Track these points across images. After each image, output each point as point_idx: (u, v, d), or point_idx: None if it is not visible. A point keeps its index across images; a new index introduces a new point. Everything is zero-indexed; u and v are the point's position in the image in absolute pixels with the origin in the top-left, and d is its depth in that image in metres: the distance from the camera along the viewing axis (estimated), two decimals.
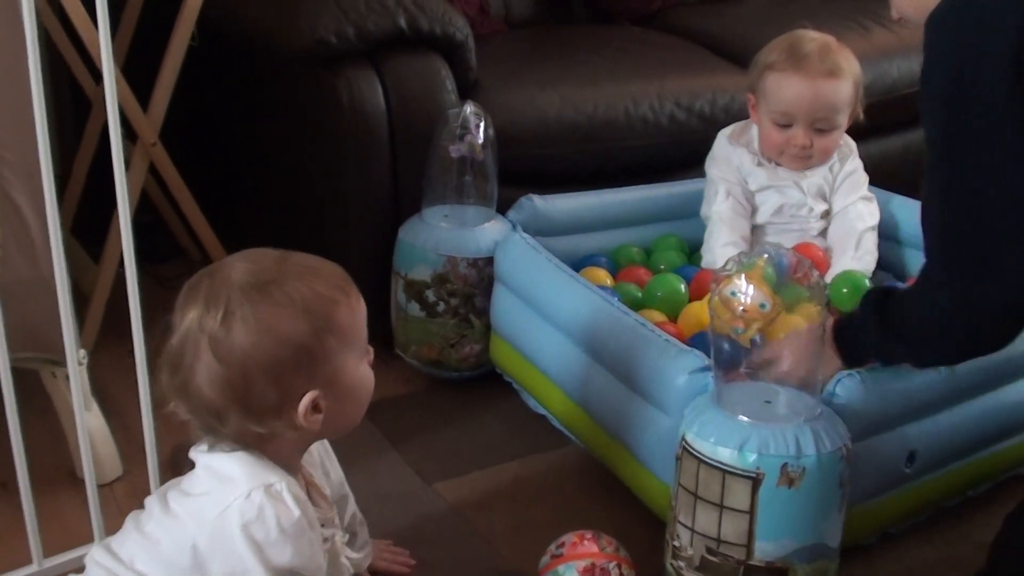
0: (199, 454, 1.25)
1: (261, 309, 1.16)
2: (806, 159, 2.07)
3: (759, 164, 2.10)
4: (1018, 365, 1.69)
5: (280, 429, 1.20)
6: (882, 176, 2.22)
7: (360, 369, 1.25)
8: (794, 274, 1.37)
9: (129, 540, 1.25)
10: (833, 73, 2.00)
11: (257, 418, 1.18)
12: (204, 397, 1.18)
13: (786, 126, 2.03)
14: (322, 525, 1.26)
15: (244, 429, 1.19)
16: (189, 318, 1.18)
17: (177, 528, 1.21)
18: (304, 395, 1.19)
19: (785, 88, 2.01)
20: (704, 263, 2.07)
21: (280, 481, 1.19)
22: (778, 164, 2.09)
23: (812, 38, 2.05)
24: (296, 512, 1.18)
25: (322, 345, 1.19)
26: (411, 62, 2.12)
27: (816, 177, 2.09)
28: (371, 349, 1.30)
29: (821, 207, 2.09)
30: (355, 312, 1.23)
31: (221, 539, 1.17)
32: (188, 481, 1.25)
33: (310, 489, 1.29)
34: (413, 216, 2.07)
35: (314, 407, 1.20)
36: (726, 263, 1.42)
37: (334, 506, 1.36)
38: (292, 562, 1.17)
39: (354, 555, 1.40)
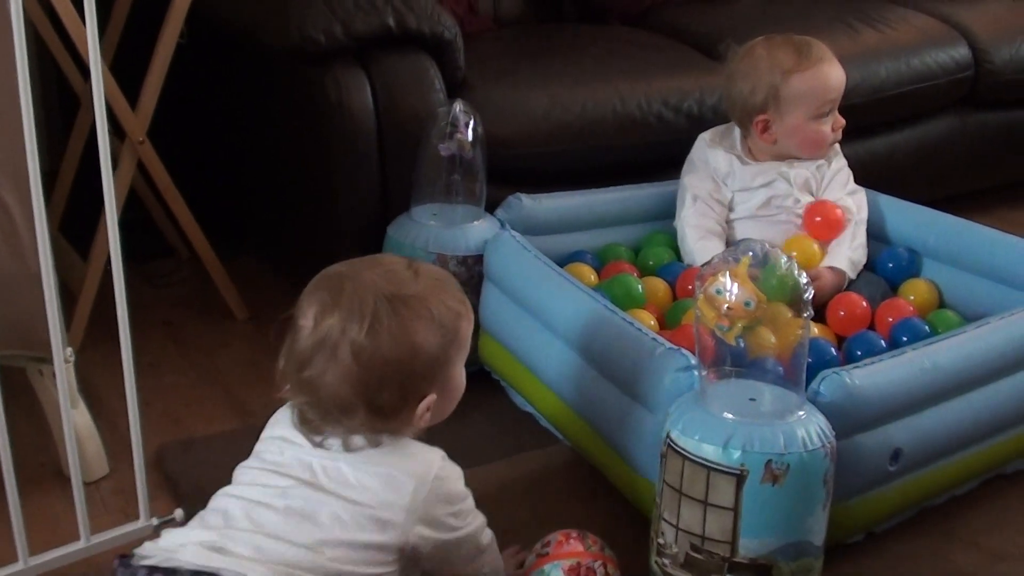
0: (329, 456, 1.28)
1: (406, 322, 1.26)
2: (836, 141, 2.15)
3: (744, 163, 2.12)
4: (1003, 363, 1.70)
5: (396, 426, 1.29)
6: (868, 176, 2.23)
7: (463, 373, 1.37)
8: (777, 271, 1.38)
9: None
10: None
11: (379, 415, 1.27)
12: (335, 394, 1.25)
13: (827, 115, 2.10)
14: None
15: (366, 423, 1.27)
16: (328, 324, 1.25)
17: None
18: (424, 398, 1.29)
19: (825, 78, 2.08)
20: (687, 263, 2.10)
21: None
22: (759, 160, 2.12)
23: (788, 36, 2.13)
24: None
25: (447, 354, 1.30)
26: (399, 60, 2.12)
27: (802, 169, 2.12)
28: None
29: (807, 199, 2.12)
30: (472, 324, 1.35)
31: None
32: (343, 470, 1.27)
33: None
34: (402, 215, 2.07)
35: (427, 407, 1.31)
36: (711, 259, 1.43)
37: None
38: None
39: None
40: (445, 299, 1.30)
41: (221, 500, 1.29)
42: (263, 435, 1.36)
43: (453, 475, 1.32)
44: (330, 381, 1.25)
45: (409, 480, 1.26)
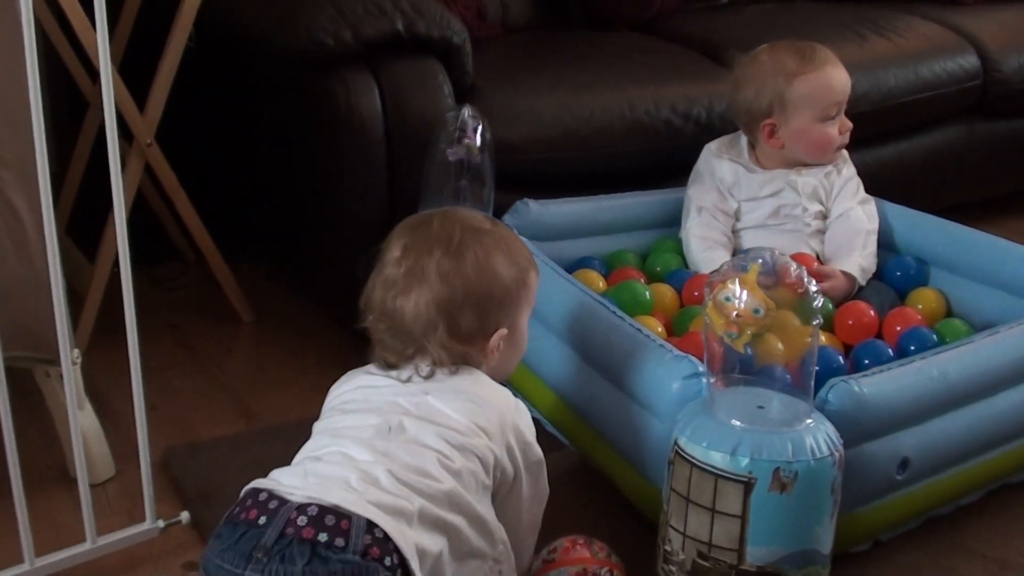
0: (417, 388, 1.36)
1: (489, 248, 1.39)
2: (844, 145, 2.14)
3: (751, 172, 2.12)
4: (1011, 373, 1.70)
5: (471, 353, 1.39)
6: (877, 185, 2.23)
7: (527, 330, 1.49)
8: (785, 281, 1.37)
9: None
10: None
11: (457, 337, 1.36)
12: (419, 314, 1.35)
13: (834, 118, 2.10)
14: None
15: (445, 344, 1.36)
16: (418, 251, 1.37)
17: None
18: (497, 330, 1.39)
19: (828, 80, 2.09)
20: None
21: None
22: (767, 168, 2.12)
23: (792, 42, 2.14)
24: None
25: (518, 292, 1.42)
26: (408, 65, 2.12)
27: (810, 177, 2.12)
28: None
29: (816, 207, 2.12)
30: (538, 281, 1.49)
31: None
32: (431, 402, 1.34)
33: None
34: None
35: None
36: (721, 266, 1.43)
37: None
38: None
39: None
40: (518, 246, 1.45)
41: (333, 444, 1.29)
42: (331, 396, 1.42)
43: (527, 411, 1.43)
44: (415, 302, 1.35)
45: (493, 407, 1.35)
